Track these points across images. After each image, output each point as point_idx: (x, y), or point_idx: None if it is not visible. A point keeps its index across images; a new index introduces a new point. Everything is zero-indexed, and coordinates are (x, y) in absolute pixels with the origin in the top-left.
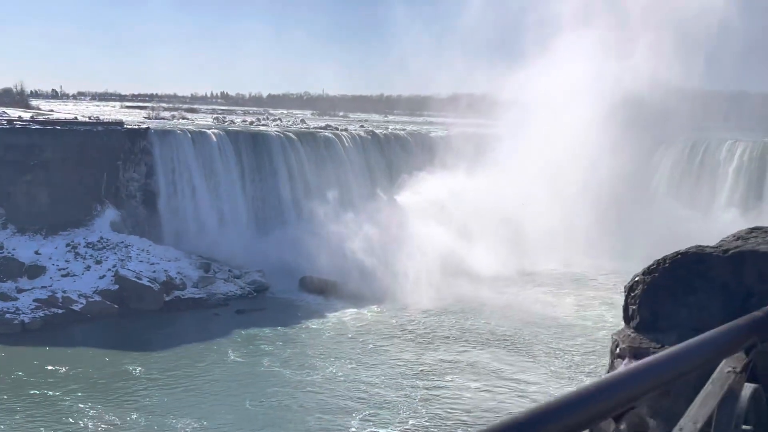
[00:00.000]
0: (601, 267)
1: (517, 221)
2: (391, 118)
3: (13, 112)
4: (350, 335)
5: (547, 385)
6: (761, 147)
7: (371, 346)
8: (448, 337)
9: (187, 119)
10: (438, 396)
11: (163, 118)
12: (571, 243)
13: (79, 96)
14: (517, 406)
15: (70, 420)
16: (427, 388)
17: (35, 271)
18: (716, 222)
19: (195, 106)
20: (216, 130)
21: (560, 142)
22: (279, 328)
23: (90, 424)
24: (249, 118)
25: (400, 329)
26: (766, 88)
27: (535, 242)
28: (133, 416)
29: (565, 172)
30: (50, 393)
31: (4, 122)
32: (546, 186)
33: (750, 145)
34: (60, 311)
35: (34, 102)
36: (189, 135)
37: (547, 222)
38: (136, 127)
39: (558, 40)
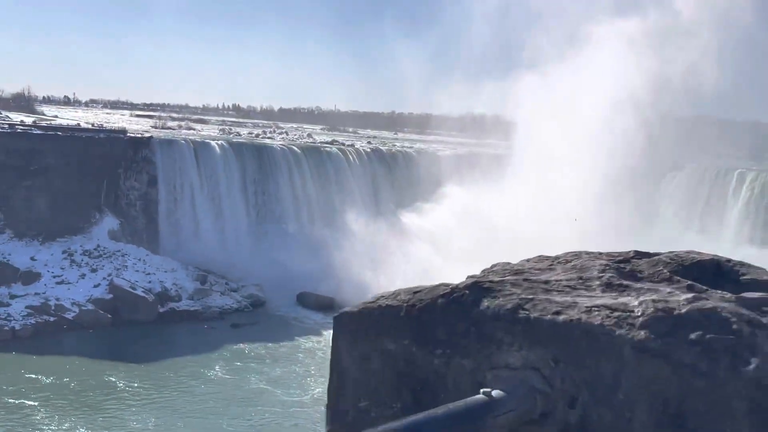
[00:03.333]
0: None
1: (524, 246)
2: (400, 135)
3: (17, 117)
4: None
5: None
6: None
7: None
8: None
9: (193, 129)
10: None
11: (170, 128)
12: None
13: (91, 103)
14: None
15: (37, 431)
16: None
17: (30, 277)
18: (723, 249)
19: (205, 117)
20: (220, 142)
21: (570, 165)
22: (272, 344)
23: None
24: (256, 131)
25: None
26: None
27: None
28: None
29: (575, 196)
30: (27, 402)
31: (6, 126)
32: (555, 211)
33: (761, 175)
34: (52, 319)
35: (44, 108)
36: (192, 145)
37: (554, 248)
38: (139, 135)
39: (574, 53)
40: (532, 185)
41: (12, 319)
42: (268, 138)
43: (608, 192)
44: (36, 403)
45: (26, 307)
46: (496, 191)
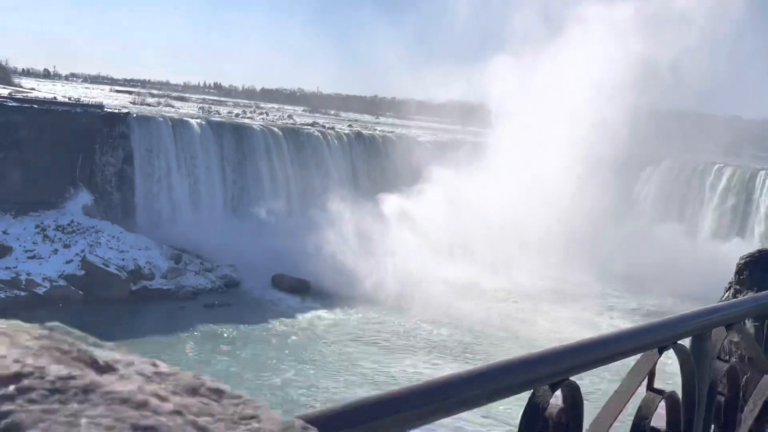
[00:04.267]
0: (582, 284)
1: (502, 232)
2: (382, 120)
3: None
4: (317, 338)
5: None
6: (749, 172)
7: (337, 350)
8: (416, 347)
9: (172, 107)
10: None
11: (148, 104)
12: (554, 257)
13: (72, 77)
14: (471, 422)
15: None
16: None
17: (1, 251)
18: (700, 243)
19: (186, 95)
20: (198, 120)
21: (551, 153)
22: (244, 326)
23: None
24: (236, 110)
25: (369, 335)
26: (759, 114)
27: (518, 254)
28: None
29: (554, 184)
30: None
31: None
32: (534, 198)
33: (738, 170)
34: (22, 294)
35: (22, 80)
36: (170, 122)
37: (532, 235)
38: (116, 111)
39: (560, 38)
40: (514, 171)
41: None
42: (248, 118)
43: (589, 180)
44: None
45: None
46: (477, 177)
